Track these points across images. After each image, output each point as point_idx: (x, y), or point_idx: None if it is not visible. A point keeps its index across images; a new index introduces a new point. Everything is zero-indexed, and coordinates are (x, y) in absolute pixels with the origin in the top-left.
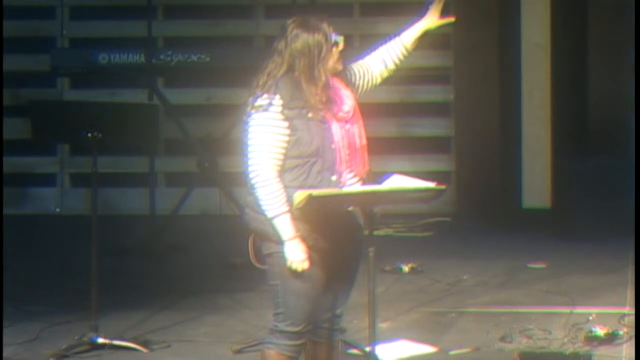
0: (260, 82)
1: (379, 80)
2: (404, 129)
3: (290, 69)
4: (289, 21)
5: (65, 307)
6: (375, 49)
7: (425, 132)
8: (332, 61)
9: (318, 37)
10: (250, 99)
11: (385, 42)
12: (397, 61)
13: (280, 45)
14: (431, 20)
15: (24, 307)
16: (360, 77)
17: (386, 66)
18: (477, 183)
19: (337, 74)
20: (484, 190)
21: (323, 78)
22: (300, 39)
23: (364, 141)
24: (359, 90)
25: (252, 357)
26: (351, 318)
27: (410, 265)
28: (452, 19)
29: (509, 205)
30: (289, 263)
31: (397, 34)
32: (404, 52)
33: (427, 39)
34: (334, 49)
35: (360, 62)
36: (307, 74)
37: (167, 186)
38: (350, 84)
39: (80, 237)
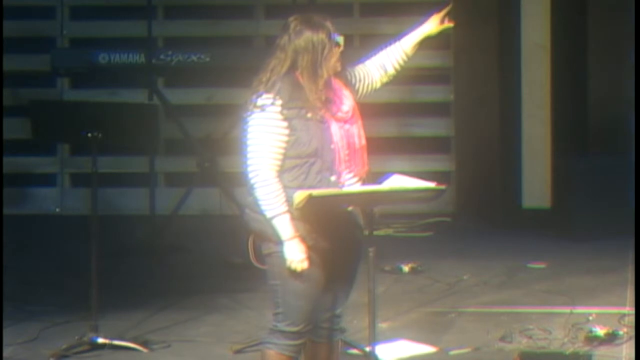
0: (264, 79)
1: (378, 85)
2: (404, 129)
3: (293, 65)
4: (292, 18)
5: (65, 307)
6: (375, 53)
7: (425, 132)
8: (334, 60)
9: (322, 35)
10: (252, 98)
11: (386, 47)
12: (397, 66)
13: (283, 41)
14: (432, 26)
15: (24, 307)
16: (360, 81)
17: (386, 71)
18: (477, 183)
19: (337, 75)
20: (484, 190)
21: (325, 76)
22: (304, 35)
23: (363, 141)
24: (359, 93)
25: (252, 357)
26: (351, 318)
27: (410, 265)
28: (451, 25)
29: (509, 205)
30: (288, 263)
31: (397, 39)
32: (404, 57)
33: (427, 39)
34: (336, 49)
35: (361, 65)
36: (309, 71)
37: (167, 186)
38: (350, 85)
39: (80, 237)
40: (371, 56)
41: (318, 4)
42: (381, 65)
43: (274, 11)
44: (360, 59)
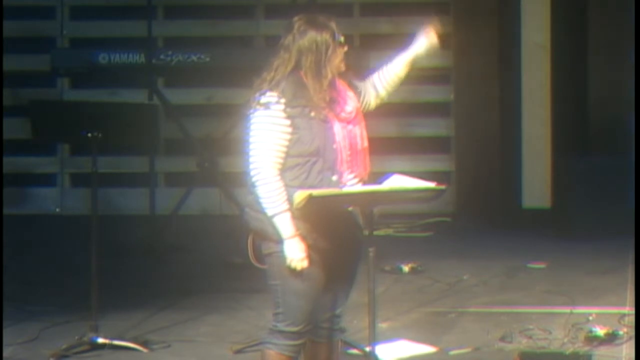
0: (268, 78)
1: (372, 106)
2: (404, 129)
3: (297, 65)
4: (296, 18)
5: (65, 307)
6: (371, 74)
7: (425, 132)
8: (338, 60)
9: (326, 35)
10: (256, 96)
11: (379, 68)
12: (389, 88)
13: (287, 41)
14: (421, 45)
15: (24, 307)
16: (361, 95)
17: (377, 93)
18: (477, 183)
19: (342, 76)
20: (484, 190)
21: (329, 76)
22: (308, 35)
23: (366, 143)
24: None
25: (252, 357)
26: (351, 318)
27: (410, 265)
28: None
29: (509, 205)
30: (288, 261)
31: (389, 60)
32: (395, 79)
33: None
34: (340, 49)
35: (362, 83)
36: (313, 71)
37: (167, 186)
38: (354, 88)
39: (80, 237)
40: (367, 76)
41: (318, 4)
42: (373, 86)
43: (274, 11)
44: (359, 63)
